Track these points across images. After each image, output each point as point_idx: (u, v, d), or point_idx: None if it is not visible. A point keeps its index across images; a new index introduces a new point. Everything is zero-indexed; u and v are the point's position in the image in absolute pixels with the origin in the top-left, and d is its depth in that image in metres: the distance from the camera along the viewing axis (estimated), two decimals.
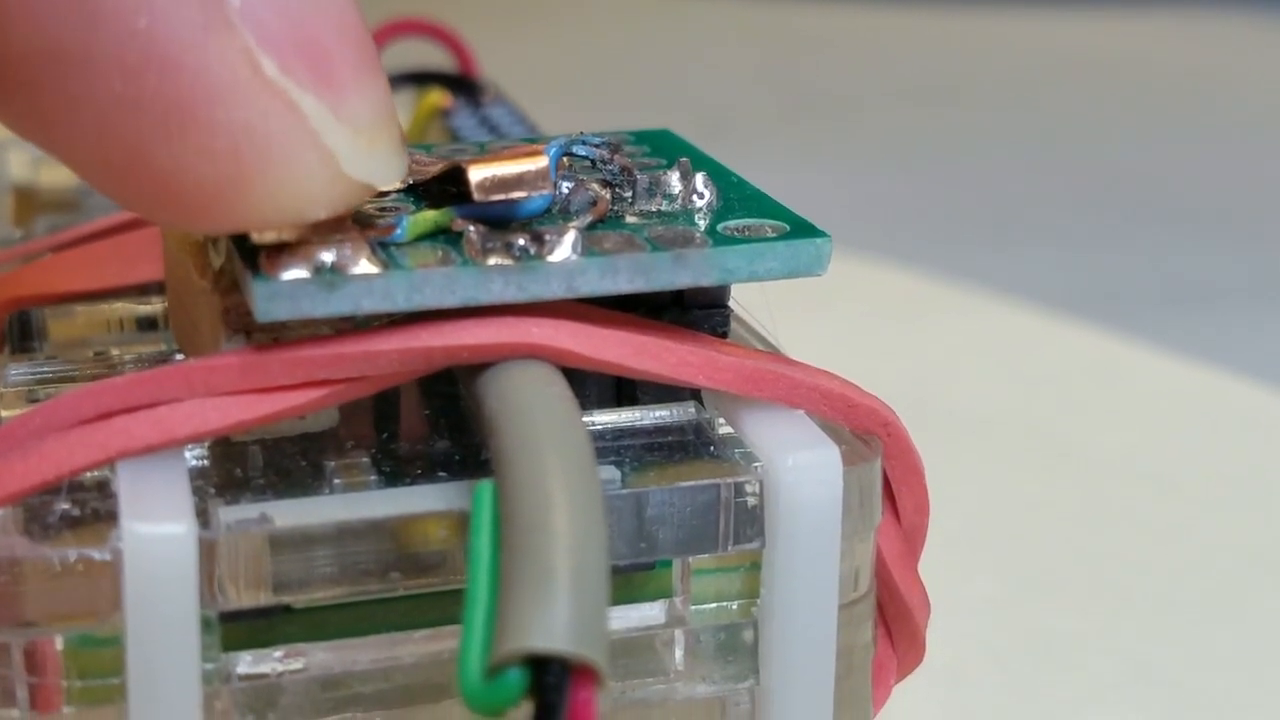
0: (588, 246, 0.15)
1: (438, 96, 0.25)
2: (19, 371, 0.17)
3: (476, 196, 0.15)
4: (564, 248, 0.15)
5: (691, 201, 0.17)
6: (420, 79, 0.26)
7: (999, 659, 0.22)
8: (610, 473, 0.15)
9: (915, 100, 0.59)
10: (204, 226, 0.14)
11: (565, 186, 0.16)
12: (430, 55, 0.27)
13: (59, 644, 0.14)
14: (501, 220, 0.16)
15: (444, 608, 0.15)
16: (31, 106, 0.14)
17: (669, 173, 0.17)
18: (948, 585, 0.19)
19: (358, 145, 0.14)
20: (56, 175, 0.27)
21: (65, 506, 0.14)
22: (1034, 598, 0.23)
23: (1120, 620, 0.23)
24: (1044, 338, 0.35)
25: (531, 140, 0.19)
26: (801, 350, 0.17)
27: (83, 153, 0.14)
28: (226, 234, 0.15)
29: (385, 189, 0.15)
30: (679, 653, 0.16)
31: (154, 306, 0.19)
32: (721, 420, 0.16)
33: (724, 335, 0.17)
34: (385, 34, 0.27)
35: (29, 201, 0.26)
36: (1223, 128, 0.56)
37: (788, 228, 0.16)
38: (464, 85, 0.26)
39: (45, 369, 0.17)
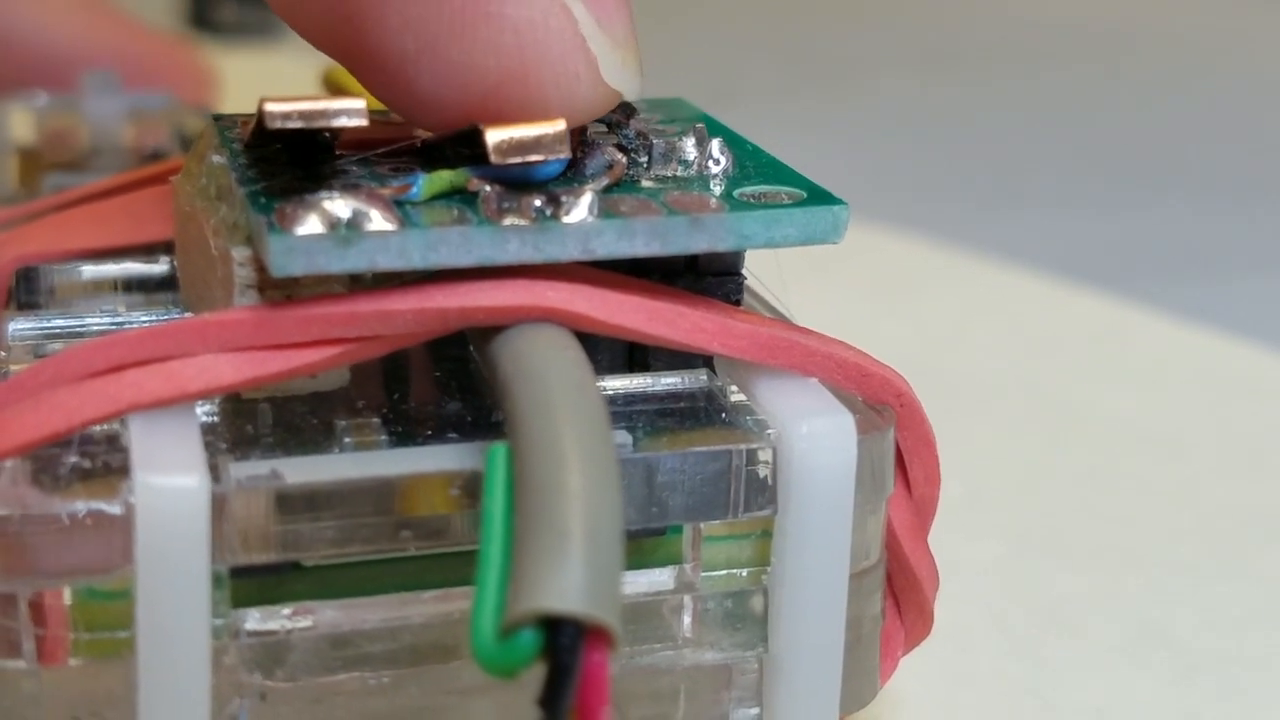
0: (604, 209, 0.15)
1: None
2: (25, 325, 0.17)
3: (494, 159, 0.15)
4: (580, 209, 0.15)
5: (707, 167, 0.17)
6: None
7: (1005, 624, 0.22)
8: (622, 438, 0.15)
9: (924, 67, 0.59)
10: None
11: (581, 150, 0.16)
12: None
13: (66, 596, 0.14)
14: (517, 182, 0.16)
15: (454, 568, 0.15)
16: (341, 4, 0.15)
17: (684, 138, 0.17)
18: (954, 551, 0.18)
19: (614, 56, 0.16)
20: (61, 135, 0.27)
21: (75, 459, 0.14)
22: (1040, 563, 0.23)
23: (1126, 585, 0.23)
24: (1053, 305, 0.35)
25: None
26: (812, 319, 0.17)
27: (382, 43, 0.15)
28: None
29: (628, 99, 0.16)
30: (687, 619, 0.16)
31: (161, 266, 0.19)
32: (734, 387, 0.16)
33: (738, 302, 0.17)
34: None
35: (35, 161, 0.26)
36: (1230, 95, 0.55)
37: (804, 194, 0.16)
38: None
39: (52, 323, 0.17)
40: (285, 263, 0.14)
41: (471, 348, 0.16)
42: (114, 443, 0.15)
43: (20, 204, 0.21)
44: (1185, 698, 0.20)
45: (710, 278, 0.17)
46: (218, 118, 0.18)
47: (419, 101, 0.16)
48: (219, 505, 0.14)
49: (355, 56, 0.16)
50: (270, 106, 0.15)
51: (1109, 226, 0.41)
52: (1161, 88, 0.55)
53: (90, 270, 0.19)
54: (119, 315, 0.17)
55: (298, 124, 0.15)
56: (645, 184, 0.16)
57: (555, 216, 0.15)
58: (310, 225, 0.14)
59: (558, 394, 0.14)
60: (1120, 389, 0.30)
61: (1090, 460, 0.27)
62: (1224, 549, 0.24)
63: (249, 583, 0.15)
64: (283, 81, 0.23)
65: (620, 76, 0.16)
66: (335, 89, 0.23)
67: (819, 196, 0.16)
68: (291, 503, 0.14)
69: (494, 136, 0.15)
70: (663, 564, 0.16)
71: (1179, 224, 0.41)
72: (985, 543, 0.24)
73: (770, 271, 0.18)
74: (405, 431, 0.15)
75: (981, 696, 0.20)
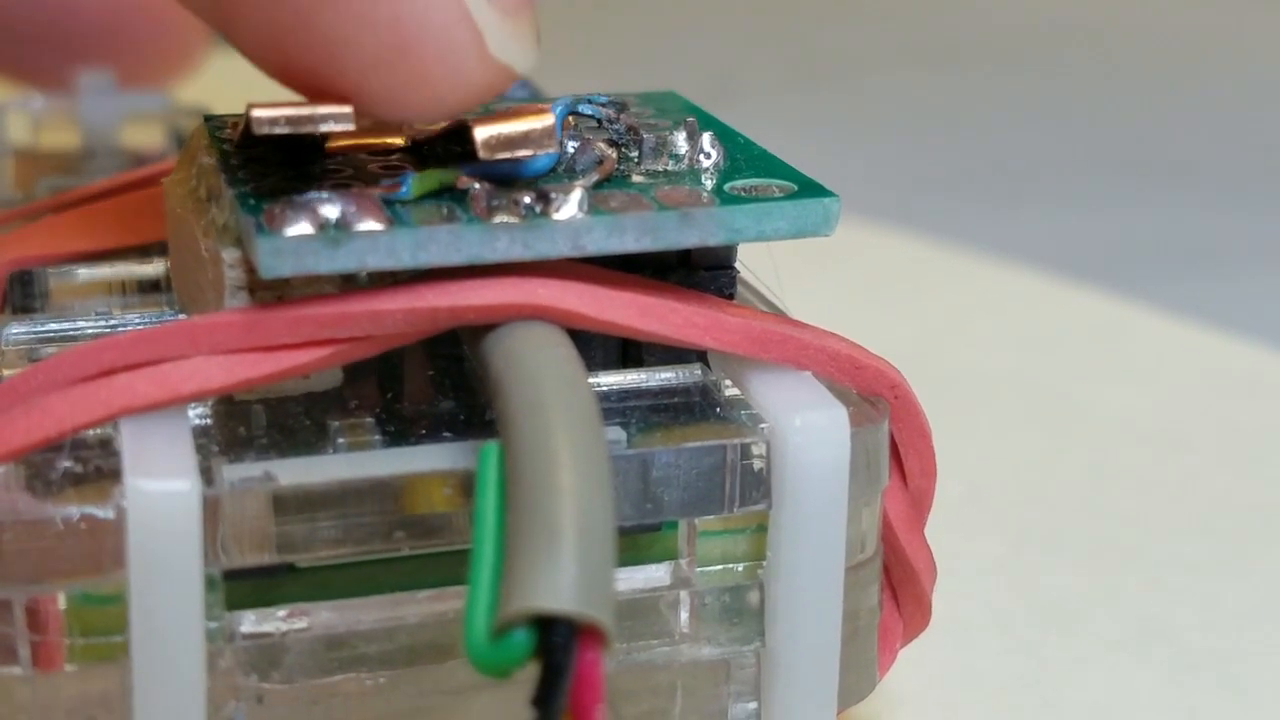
0: (594, 205, 0.15)
1: None
2: (20, 330, 0.17)
3: (482, 155, 0.15)
4: (570, 206, 0.15)
5: (698, 161, 0.17)
6: None
7: (1005, 622, 0.22)
8: (616, 434, 0.15)
9: (921, 63, 0.59)
10: (361, 107, 0.15)
11: (571, 146, 0.16)
12: None
13: (61, 601, 0.14)
14: (507, 179, 0.16)
15: (449, 568, 0.15)
16: None
17: (675, 132, 0.17)
18: (954, 549, 0.18)
19: (504, 28, 0.14)
20: (57, 137, 0.27)
21: (68, 464, 0.14)
22: (1039, 559, 0.23)
23: (1127, 582, 0.23)
24: (1053, 301, 0.35)
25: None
26: (807, 313, 0.17)
27: (254, 17, 0.14)
28: (381, 117, 0.15)
29: (520, 72, 0.15)
30: (684, 615, 0.16)
31: (156, 267, 0.19)
32: (728, 382, 0.16)
33: (730, 297, 0.17)
34: None
35: (30, 164, 0.26)
36: (1230, 92, 0.55)
37: (795, 187, 0.16)
38: None
39: (46, 328, 0.17)
40: (274, 264, 0.14)
41: (464, 346, 0.16)
42: (106, 447, 0.15)
43: (16, 207, 0.21)
44: (1185, 695, 0.20)
45: (703, 272, 0.17)
46: (209, 118, 0.18)
47: (299, 78, 0.15)
48: (212, 508, 0.14)
49: (234, 29, 0.15)
50: (257, 112, 0.15)
51: (1108, 223, 0.41)
52: (1160, 84, 0.55)
53: (85, 273, 0.19)
54: (113, 318, 0.17)
55: (285, 129, 0.15)
56: (636, 179, 0.16)
57: (545, 213, 0.15)
58: (299, 226, 0.14)
59: (549, 392, 0.14)
60: (1120, 386, 0.30)
61: (1090, 457, 0.27)
62: (1224, 546, 0.24)
63: (243, 585, 0.15)
64: None
65: (510, 49, 0.15)
66: None
67: (810, 189, 0.16)
68: (285, 504, 0.14)
69: (481, 133, 0.15)
70: (658, 560, 0.16)
71: (1178, 220, 0.41)
72: (985, 541, 0.24)
73: (764, 265, 0.18)
74: (399, 431, 0.15)
75: (982, 694, 0.20)
